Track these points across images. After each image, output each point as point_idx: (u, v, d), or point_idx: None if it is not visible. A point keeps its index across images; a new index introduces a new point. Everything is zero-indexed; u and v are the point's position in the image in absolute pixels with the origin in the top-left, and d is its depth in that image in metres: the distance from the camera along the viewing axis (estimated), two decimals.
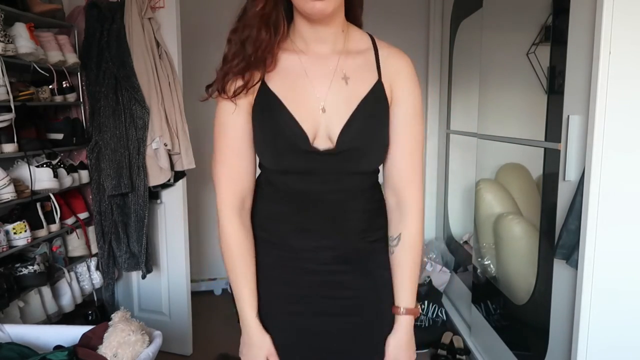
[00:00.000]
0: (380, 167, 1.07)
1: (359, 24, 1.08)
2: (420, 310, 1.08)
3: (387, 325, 1.07)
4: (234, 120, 1.01)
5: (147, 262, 2.46)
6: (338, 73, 1.00)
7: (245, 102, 1.00)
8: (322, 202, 1.01)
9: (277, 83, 1.00)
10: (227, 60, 1.00)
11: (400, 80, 1.02)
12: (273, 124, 0.98)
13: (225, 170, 1.04)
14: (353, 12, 1.06)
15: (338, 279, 1.04)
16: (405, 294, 1.05)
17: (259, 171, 1.09)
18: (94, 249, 2.49)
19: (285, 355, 1.06)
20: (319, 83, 1.00)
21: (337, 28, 1.01)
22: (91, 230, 2.49)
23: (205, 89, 1.04)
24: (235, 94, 0.98)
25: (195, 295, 3.09)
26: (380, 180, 1.11)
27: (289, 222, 1.04)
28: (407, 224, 1.04)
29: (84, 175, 2.42)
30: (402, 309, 1.05)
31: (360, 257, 1.05)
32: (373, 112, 1.00)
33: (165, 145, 2.33)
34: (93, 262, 2.49)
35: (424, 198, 1.07)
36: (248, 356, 1.07)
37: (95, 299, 2.57)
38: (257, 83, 0.99)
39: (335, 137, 0.98)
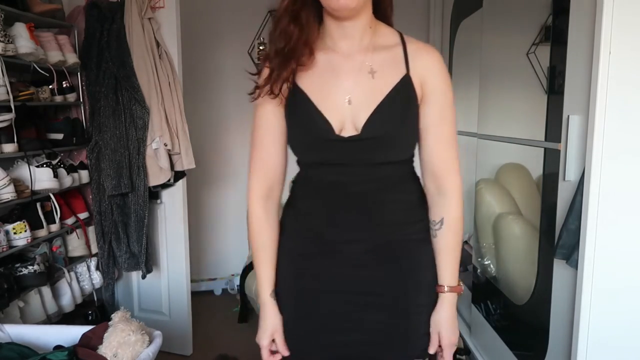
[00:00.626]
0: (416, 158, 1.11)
1: (389, 24, 1.11)
2: (462, 289, 1.13)
3: (418, 326, 1.10)
4: (266, 118, 1.08)
5: (147, 262, 2.46)
6: (365, 67, 1.04)
7: (278, 102, 1.06)
8: (353, 194, 1.05)
9: (307, 81, 1.05)
10: (266, 59, 1.07)
11: (431, 75, 1.05)
12: (301, 119, 1.05)
13: (256, 163, 1.11)
14: (382, 11, 1.09)
15: (369, 273, 1.08)
16: (448, 274, 1.09)
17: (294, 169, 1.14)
18: (94, 249, 2.50)
19: (309, 342, 1.12)
20: (346, 77, 1.04)
21: (364, 24, 1.04)
22: (91, 230, 2.49)
23: (256, 93, 1.08)
24: (272, 91, 1.04)
25: (195, 295, 3.09)
26: (418, 171, 1.13)
27: (322, 215, 1.08)
28: (449, 209, 1.09)
29: (84, 175, 2.42)
30: (445, 287, 1.09)
31: (395, 252, 1.08)
32: (400, 104, 1.03)
33: (165, 145, 2.34)
34: (93, 262, 2.49)
35: (462, 183, 1.12)
36: (259, 330, 1.13)
37: (95, 299, 2.57)
38: (289, 80, 1.04)
39: (360, 127, 1.01)
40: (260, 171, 1.10)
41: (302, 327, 1.12)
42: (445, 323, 1.09)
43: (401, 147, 1.06)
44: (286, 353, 1.12)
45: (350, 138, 1.01)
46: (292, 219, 1.14)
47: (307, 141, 1.06)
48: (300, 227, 1.12)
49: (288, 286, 1.13)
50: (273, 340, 1.13)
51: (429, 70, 1.05)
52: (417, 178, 1.13)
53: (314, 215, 1.09)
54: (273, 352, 1.14)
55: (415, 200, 1.11)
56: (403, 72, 1.03)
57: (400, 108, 1.03)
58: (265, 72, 1.05)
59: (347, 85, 1.03)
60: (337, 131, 1.02)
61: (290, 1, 1.01)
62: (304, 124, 1.04)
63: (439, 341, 1.10)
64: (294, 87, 1.04)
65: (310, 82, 1.04)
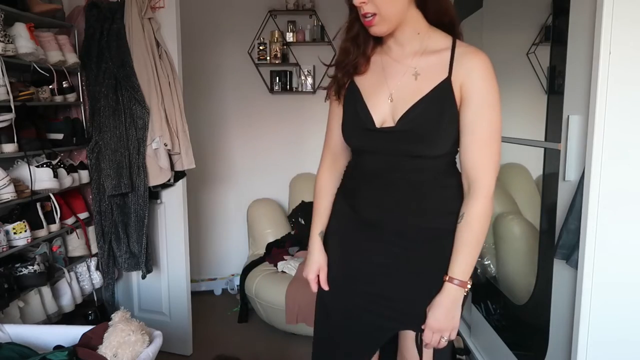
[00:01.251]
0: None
1: (450, 29, 1.20)
2: (468, 286, 1.18)
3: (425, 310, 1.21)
4: (333, 110, 1.33)
5: (147, 262, 2.46)
6: (410, 70, 1.19)
7: (341, 98, 1.29)
8: (389, 182, 1.21)
9: (362, 80, 1.25)
10: (336, 66, 1.28)
11: (472, 78, 1.13)
12: (351, 111, 1.25)
13: (326, 141, 1.37)
14: (437, 17, 1.19)
15: (397, 251, 1.23)
16: (455, 265, 1.17)
17: None
18: (94, 249, 2.49)
19: (342, 284, 1.32)
20: (392, 78, 1.21)
21: (411, 33, 1.18)
22: (91, 230, 2.49)
23: (326, 95, 1.35)
24: (338, 94, 1.28)
25: (195, 295, 3.09)
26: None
27: (361, 197, 1.27)
28: (471, 205, 1.16)
29: (84, 175, 2.42)
30: (448, 277, 1.17)
31: (419, 237, 1.22)
32: (436, 104, 1.14)
33: (165, 145, 2.34)
34: (93, 262, 2.49)
35: (493, 184, 1.18)
36: (306, 266, 1.36)
37: (95, 299, 2.57)
38: (348, 83, 1.26)
39: (397, 120, 1.17)
40: (327, 147, 1.37)
41: (340, 270, 1.33)
42: (440, 308, 1.17)
43: (434, 143, 1.16)
44: (327, 287, 1.33)
45: (386, 129, 1.18)
46: (341, 194, 1.36)
47: (352, 129, 1.25)
48: (346, 205, 1.31)
49: (335, 238, 1.36)
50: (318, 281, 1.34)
51: (469, 73, 1.14)
52: (457, 174, 1.22)
53: (356, 196, 1.28)
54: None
55: (448, 195, 1.21)
56: (445, 75, 1.15)
57: (436, 107, 1.14)
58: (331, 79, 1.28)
59: (392, 85, 1.20)
60: (377, 124, 1.19)
61: (348, 26, 1.21)
62: (352, 115, 1.24)
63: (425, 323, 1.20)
64: (351, 84, 1.26)
65: (364, 81, 1.24)
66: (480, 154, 1.14)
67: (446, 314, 1.17)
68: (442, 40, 1.18)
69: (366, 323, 1.29)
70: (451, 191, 1.20)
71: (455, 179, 1.21)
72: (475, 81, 1.13)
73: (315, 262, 1.35)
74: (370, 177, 1.24)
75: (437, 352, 1.28)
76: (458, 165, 1.24)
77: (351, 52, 1.22)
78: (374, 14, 1.11)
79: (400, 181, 1.20)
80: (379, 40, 1.23)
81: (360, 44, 1.22)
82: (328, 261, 1.35)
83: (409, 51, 1.19)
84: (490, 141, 1.14)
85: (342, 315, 1.32)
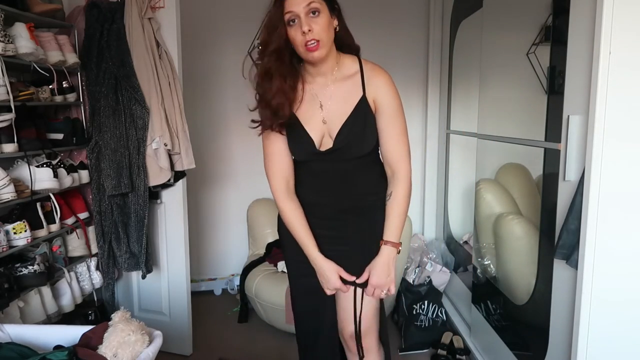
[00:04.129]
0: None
1: (356, 49, 1.53)
2: (400, 247, 1.52)
3: (370, 254, 1.52)
4: (271, 138, 1.53)
5: (147, 262, 2.46)
6: (334, 95, 1.49)
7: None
8: (331, 175, 1.54)
9: (299, 107, 1.50)
10: (276, 108, 1.46)
11: (381, 93, 1.47)
12: (295, 136, 1.50)
13: (273, 169, 1.55)
14: (346, 43, 1.50)
15: (338, 225, 1.56)
16: (390, 232, 1.50)
17: None
18: (94, 249, 2.49)
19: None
20: (323, 103, 1.49)
21: (331, 63, 1.48)
22: (91, 230, 2.49)
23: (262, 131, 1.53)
24: (277, 128, 1.49)
25: (195, 295, 3.09)
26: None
27: (310, 188, 1.57)
28: (396, 187, 1.50)
29: (84, 175, 2.42)
30: (386, 241, 1.50)
31: (357, 211, 1.55)
32: (359, 120, 1.47)
33: (165, 145, 2.33)
34: (93, 262, 2.49)
35: (410, 168, 1.51)
36: (325, 281, 1.54)
37: (95, 299, 2.57)
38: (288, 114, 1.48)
39: (333, 139, 1.48)
40: (277, 173, 1.54)
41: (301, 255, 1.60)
42: (378, 267, 1.50)
43: (364, 147, 1.49)
44: (352, 278, 1.52)
45: (327, 151, 1.49)
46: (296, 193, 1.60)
47: (299, 152, 1.53)
48: (300, 196, 1.58)
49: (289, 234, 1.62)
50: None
51: (378, 89, 1.47)
52: (379, 163, 1.56)
53: (306, 188, 1.57)
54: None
55: (375, 179, 1.55)
56: (360, 94, 1.47)
57: (360, 120, 1.46)
58: (264, 112, 1.47)
59: (323, 110, 1.49)
60: (317, 145, 1.48)
61: (278, 63, 1.41)
62: (297, 140, 1.50)
63: (368, 278, 1.51)
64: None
65: (300, 109, 1.49)
66: (396, 147, 1.49)
67: (385, 270, 1.49)
68: (351, 64, 1.49)
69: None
70: (376, 176, 1.55)
71: (377, 166, 1.55)
72: (384, 96, 1.47)
73: (330, 270, 1.52)
74: (317, 175, 1.55)
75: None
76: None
77: (287, 100, 1.43)
78: (318, 41, 1.36)
79: (342, 174, 1.52)
80: (296, 74, 1.47)
81: (290, 91, 1.45)
82: (291, 252, 1.62)
83: (329, 79, 1.48)
84: (402, 137, 1.49)
85: (308, 286, 1.61)
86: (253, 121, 1.51)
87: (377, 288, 1.51)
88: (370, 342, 1.63)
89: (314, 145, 1.48)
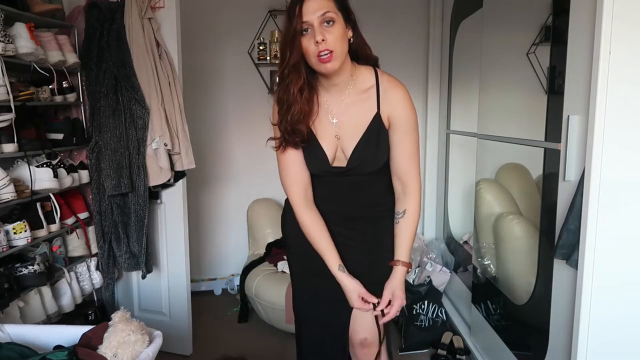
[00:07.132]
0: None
1: (373, 60, 1.48)
2: (412, 266, 1.52)
3: (379, 268, 1.52)
4: (289, 152, 1.50)
5: (147, 262, 2.46)
6: (348, 110, 1.45)
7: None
8: (341, 185, 1.52)
9: (314, 121, 1.47)
10: (282, 130, 1.47)
11: (396, 110, 1.44)
12: (310, 150, 1.48)
13: (290, 180, 1.53)
14: (362, 55, 1.46)
15: (346, 232, 1.55)
16: (402, 252, 1.49)
17: None
18: (94, 249, 2.49)
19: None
20: (337, 118, 1.46)
21: (346, 76, 1.43)
22: (91, 230, 2.49)
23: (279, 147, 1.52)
24: (298, 145, 1.48)
25: (195, 295, 3.09)
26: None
27: (320, 196, 1.54)
28: (410, 204, 1.48)
29: (84, 175, 2.42)
30: (400, 262, 1.48)
31: (365, 220, 1.55)
32: (372, 138, 1.44)
33: (165, 145, 2.33)
34: (93, 262, 2.49)
35: (421, 185, 1.50)
36: (348, 298, 1.50)
37: (95, 299, 2.57)
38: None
39: (346, 158, 1.47)
40: (295, 183, 1.51)
41: (310, 263, 1.58)
42: (398, 289, 1.48)
43: (376, 165, 1.48)
44: (375, 300, 1.48)
45: (340, 169, 1.48)
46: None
47: (313, 167, 1.50)
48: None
49: (295, 240, 1.61)
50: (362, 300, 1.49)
51: (393, 105, 1.43)
52: (388, 174, 1.52)
53: (319, 197, 1.55)
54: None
55: (384, 191, 1.54)
56: (375, 111, 1.44)
57: (373, 138, 1.44)
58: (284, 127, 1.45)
59: (336, 124, 1.46)
60: (330, 160, 1.47)
61: (300, 86, 1.38)
62: (313, 155, 1.48)
63: (391, 300, 1.47)
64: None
65: (315, 123, 1.47)
66: (408, 164, 1.47)
67: (402, 291, 1.48)
68: (368, 77, 1.45)
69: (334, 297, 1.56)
70: (385, 189, 1.54)
71: (386, 179, 1.53)
72: (399, 112, 1.43)
73: (353, 290, 1.49)
74: (330, 186, 1.53)
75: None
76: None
77: (305, 107, 1.41)
78: (331, 52, 1.31)
79: (353, 187, 1.52)
80: (312, 86, 1.43)
81: (307, 106, 1.42)
82: (297, 254, 1.64)
83: (344, 92, 1.44)
84: (414, 153, 1.47)
85: (316, 294, 1.61)
86: (271, 139, 1.51)
87: (399, 308, 1.49)
88: (382, 352, 1.62)
89: (327, 161, 1.47)
